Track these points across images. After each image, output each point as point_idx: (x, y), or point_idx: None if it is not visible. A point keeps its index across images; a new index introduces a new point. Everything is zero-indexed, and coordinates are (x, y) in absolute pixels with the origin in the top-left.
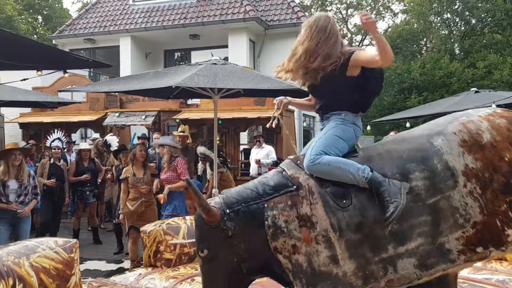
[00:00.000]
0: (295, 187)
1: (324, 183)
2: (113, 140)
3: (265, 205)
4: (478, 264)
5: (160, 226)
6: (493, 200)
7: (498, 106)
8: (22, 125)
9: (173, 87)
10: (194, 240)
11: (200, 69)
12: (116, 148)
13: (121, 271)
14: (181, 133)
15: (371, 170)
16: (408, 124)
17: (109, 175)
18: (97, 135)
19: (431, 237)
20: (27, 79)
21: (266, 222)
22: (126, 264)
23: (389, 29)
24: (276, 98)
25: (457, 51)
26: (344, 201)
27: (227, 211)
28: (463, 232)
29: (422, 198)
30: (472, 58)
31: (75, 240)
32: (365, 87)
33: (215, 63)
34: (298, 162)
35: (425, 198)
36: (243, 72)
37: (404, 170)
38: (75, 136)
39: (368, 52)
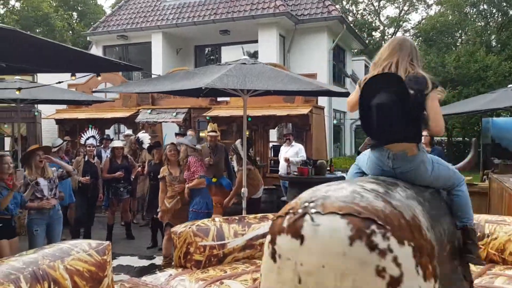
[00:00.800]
0: None
1: None
2: (145, 137)
3: None
4: None
5: (190, 227)
6: None
7: None
8: (58, 121)
9: (202, 88)
10: (222, 242)
11: (230, 69)
12: (148, 144)
13: (152, 267)
14: (213, 133)
15: None
16: None
17: (139, 169)
18: (129, 132)
19: None
20: (62, 82)
21: None
22: (158, 260)
23: (423, 21)
24: None
25: (493, 43)
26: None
27: None
28: None
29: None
30: (510, 50)
31: (107, 242)
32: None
33: (245, 63)
34: None
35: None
36: (272, 72)
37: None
38: (109, 132)
39: None
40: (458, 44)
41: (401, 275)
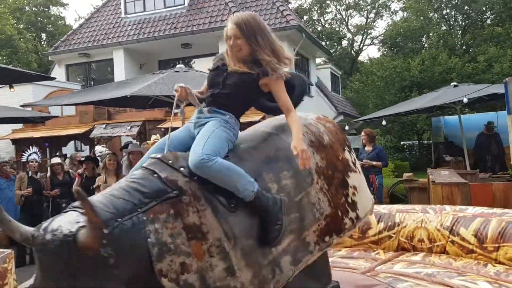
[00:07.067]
0: (175, 192)
1: (208, 185)
2: (101, 150)
3: (145, 218)
4: (417, 258)
5: None
6: (336, 194)
7: (468, 99)
8: (14, 141)
9: (128, 96)
10: None
11: (161, 77)
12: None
13: None
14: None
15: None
16: (384, 122)
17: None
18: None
19: (298, 232)
20: None
21: (149, 240)
22: None
23: (389, 27)
24: (178, 85)
25: (458, 47)
26: (232, 205)
27: (105, 231)
28: (318, 225)
29: (292, 196)
30: (473, 52)
31: (9, 250)
32: (257, 102)
33: (178, 71)
34: (170, 161)
35: (293, 196)
36: (202, 78)
37: (275, 170)
38: (67, 150)
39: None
40: (423, 49)
41: None
